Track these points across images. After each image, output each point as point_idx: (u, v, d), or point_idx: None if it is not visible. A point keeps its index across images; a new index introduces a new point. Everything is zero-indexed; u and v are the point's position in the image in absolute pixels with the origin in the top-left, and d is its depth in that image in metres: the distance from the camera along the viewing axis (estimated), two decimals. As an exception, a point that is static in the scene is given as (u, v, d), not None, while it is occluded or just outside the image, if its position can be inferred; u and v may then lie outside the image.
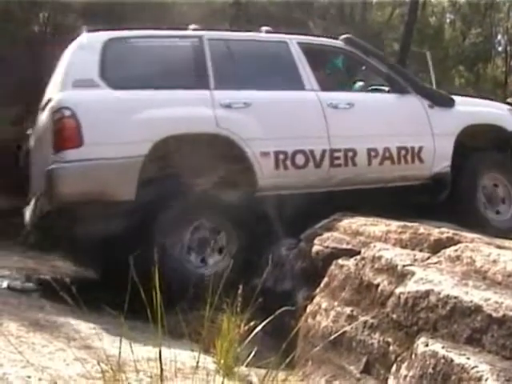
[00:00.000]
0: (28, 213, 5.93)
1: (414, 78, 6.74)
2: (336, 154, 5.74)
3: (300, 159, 5.59)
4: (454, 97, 6.60)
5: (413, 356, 2.80)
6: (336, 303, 3.71)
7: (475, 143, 6.42)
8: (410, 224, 3.91)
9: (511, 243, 3.64)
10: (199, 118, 5.36)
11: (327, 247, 4.33)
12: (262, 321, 3.23)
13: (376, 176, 5.93)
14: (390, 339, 3.09)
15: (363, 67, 6.65)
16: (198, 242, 5.22)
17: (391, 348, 3.05)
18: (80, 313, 4.53)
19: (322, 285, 4.04)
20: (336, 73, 6.80)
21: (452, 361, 2.53)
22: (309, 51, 6.13)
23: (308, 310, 3.96)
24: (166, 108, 5.27)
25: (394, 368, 2.95)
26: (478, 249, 3.11)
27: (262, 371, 2.95)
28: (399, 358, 2.95)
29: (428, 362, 2.65)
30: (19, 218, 6.29)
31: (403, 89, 6.36)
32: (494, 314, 2.51)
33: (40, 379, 2.82)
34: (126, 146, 5.02)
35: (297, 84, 5.91)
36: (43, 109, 5.67)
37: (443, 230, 3.67)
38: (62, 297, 5.08)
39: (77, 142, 4.92)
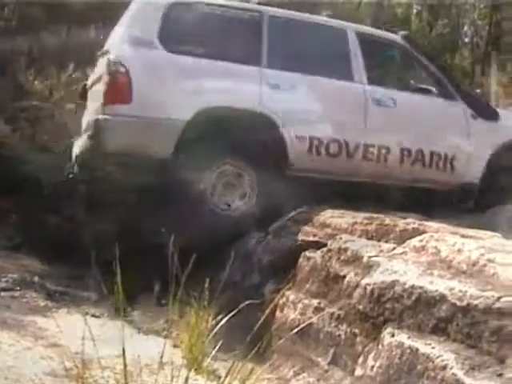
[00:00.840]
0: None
1: (463, 84, 6.71)
2: (370, 149, 5.84)
3: (334, 148, 5.72)
4: (500, 110, 6.66)
5: (379, 347, 2.82)
6: (303, 295, 3.73)
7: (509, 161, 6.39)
8: (375, 215, 3.92)
9: (476, 232, 3.66)
10: (244, 94, 5.52)
11: (295, 240, 4.33)
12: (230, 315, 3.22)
13: (405, 176, 6.01)
14: (356, 330, 3.10)
15: (416, 64, 6.63)
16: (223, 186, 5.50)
17: (358, 339, 3.07)
18: (47, 311, 4.55)
19: (289, 277, 4.04)
20: (390, 63, 6.86)
21: (417, 350, 2.54)
22: (366, 42, 6.19)
23: (276, 302, 3.96)
24: (214, 79, 5.46)
25: (361, 359, 2.97)
26: (443, 238, 3.12)
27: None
28: (366, 349, 2.96)
29: (394, 353, 2.67)
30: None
31: (450, 94, 6.37)
32: (459, 303, 2.51)
33: (6, 378, 2.79)
34: (171, 109, 5.27)
35: (346, 74, 6.00)
36: (102, 55, 5.88)
37: (409, 220, 3.69)
38: (29, 295, 5.06)
39: (126, 98, 5.18)
